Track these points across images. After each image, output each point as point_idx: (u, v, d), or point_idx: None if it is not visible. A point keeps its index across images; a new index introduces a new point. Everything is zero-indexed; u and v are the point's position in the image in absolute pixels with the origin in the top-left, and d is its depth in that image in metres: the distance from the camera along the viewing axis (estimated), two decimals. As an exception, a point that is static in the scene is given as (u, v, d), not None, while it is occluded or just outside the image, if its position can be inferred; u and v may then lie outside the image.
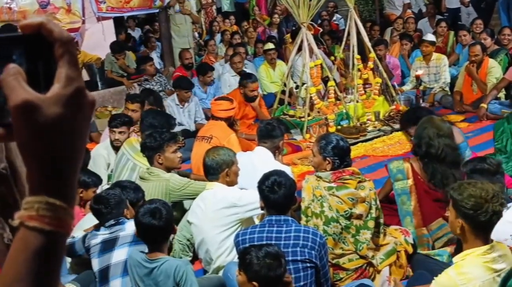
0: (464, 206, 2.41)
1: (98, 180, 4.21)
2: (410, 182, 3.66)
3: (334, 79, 7.11)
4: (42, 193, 0.65)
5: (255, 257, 2.53)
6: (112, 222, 3.32)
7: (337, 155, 3.44)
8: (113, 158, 4.93)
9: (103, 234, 3.32)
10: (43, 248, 0.65)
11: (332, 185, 3.35)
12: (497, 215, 2.40)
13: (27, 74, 0.65)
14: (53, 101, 0.64)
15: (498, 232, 2.76)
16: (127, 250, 3.22)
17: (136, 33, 11.44)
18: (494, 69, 6.79)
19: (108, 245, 3.29)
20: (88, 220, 3.66)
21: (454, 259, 2.51)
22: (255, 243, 2.82)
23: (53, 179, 0.66)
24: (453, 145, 3.66)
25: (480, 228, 2.42)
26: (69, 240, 3.41)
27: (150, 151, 4.09)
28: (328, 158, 3.44)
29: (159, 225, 2.97)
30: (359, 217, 3.31)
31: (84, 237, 3.40)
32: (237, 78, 7.72)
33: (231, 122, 5.32)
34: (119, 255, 3.24)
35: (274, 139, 4.18)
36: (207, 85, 7.84)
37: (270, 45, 8.51)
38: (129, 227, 3.25)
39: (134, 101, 5.75)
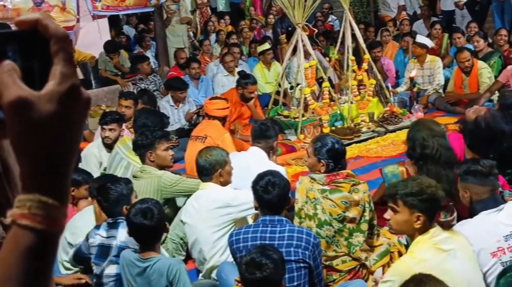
0: (423, 199, 2.59)
1: (88, 177, 4.18)
2: None
3: (331, 80, 7.11)
4: (35, 191, 0.65)
5: (244, 261, 2.56)
6: (110, 220, 3.30)
7: (331, 157, 3.43)
8: (104, 156, 4.92)
9: (101, 236, 3.31)
10: (35, 246, 0.64)
11: (326, 187, 3.34)
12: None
13: (22, 71, 0.65)
14: (47, 98, 0.63)
15: (491, 233, 2.79)
16: (116, 266, 3.21)
17: (131, 32, 11.40)
18: (484, 70, 6.84)
19: (103, 253, 3.29)
20: (79, 218, 3.64)
21: (409, 248, 2.69)
22: (253, 247, 2.83)
23: (45, 176, 0.65)
24: (447, 145, 3.67)
25: (434, 215, 2.67)
26: (74, 248, 3.41)
27: (141, 148, 4.09)
28: (322, 160, 3.44)
29: (151, 225, 2.95)
30: (352, 220, 3.30)
31: (87, 235, 3.40)
32: (230, 77, 7.73)
33: (225, 122, 5.32)
34: (110, 268, 3.25)
35: (268, 139, 4.18)
36: (195, 79, 7.81)
37: (267, 46, 8.50)
38: (121, 235, 3.22)
39: (127, 98, 5.76)
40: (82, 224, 3.57)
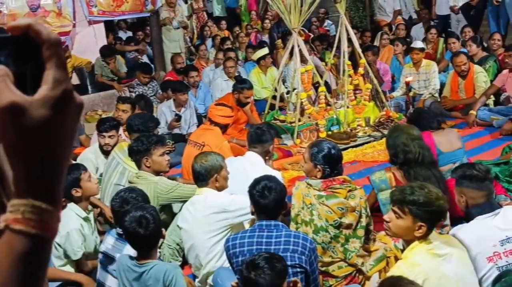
0: (430, 211, 2.58)
1: None
2: None
3: (328, 85, 7.11)
4: (28, 195, 0.65)
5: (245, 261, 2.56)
6: (120, 231, 3.30)
7: (327, 163, 3.43)
8: (101, 162, 4.90)
9: (109, 242, 3.31)
10: (29, 251, 0.64)
11: (322, 193, 3.34)
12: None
13: (14, 76, 0.65)
14: (40, 104, 0.64)
15: (487, 237, 2.79)
16: (116, 281, 3.20)
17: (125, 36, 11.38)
18: (480, 75, 6.86)
19: (107, 262, 3.28)
20: (65, 219, 3.61)
21: (404, 253, 2.69)
22: (249, 252, 2.83)
23: (39, 180, 0.66)
24: (425, 145, 3.73)
25: (436, 225, 2.70)
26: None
27: (137, 154, 4.08)
28: (318, 166, 3.43)
29: (145, 234, 2.91)
30: (348, 226, 3.30)
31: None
32: (229, 82, 7.73)
33: (226, 130, 5.30)
34: (111, 282, 3.23)
35: (264, 144, 4.18)
36: (194, 87, 7.79)
37: (266, 50, 8.48)
38: (126, 250, 3.20)
39: (125, 102, 5.76)
40: (68, 226, 3.56)
